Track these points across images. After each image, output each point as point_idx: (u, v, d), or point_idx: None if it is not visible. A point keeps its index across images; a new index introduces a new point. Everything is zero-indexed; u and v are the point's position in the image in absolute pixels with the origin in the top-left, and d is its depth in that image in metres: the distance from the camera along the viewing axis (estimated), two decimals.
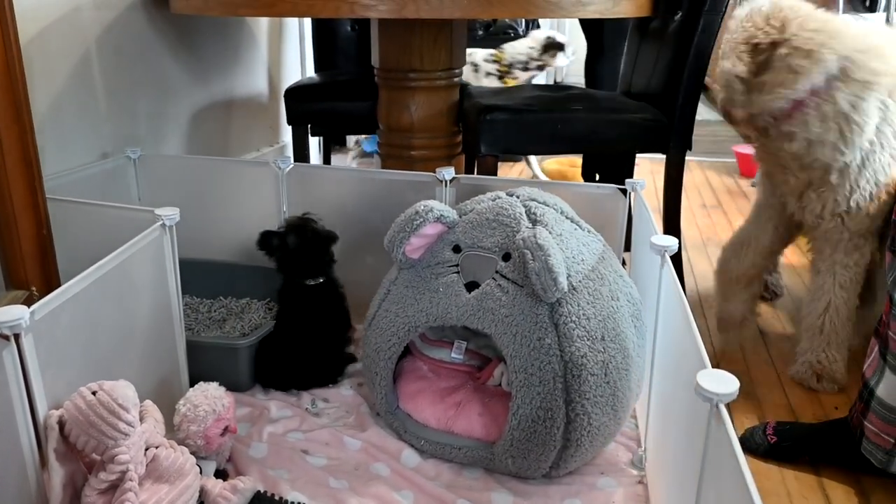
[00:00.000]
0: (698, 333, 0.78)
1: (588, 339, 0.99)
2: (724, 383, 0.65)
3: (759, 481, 1.06)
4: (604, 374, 1.00)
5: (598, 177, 2.34)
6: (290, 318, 1.32)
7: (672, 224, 1.70)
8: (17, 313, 0.77)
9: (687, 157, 1.69)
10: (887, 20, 2.59)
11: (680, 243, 1.80)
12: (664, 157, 1.68)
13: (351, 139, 3.30)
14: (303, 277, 1.32)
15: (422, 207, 1.11)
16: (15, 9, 1.05)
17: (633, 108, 1.67)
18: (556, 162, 2.94)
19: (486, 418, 1.11)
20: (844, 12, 2.75)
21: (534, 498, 1.03)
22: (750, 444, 1.17)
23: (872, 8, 2.95)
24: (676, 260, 1.73)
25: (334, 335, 1.35)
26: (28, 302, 1.04)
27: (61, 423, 0.82)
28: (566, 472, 1.07)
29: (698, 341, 0.76)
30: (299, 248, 1.30)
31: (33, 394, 0.81)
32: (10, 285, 1.13)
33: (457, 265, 1.10)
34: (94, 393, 0.83)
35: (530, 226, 1.07)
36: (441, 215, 1.11)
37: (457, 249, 1.11)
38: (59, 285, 0.90)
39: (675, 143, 1.65)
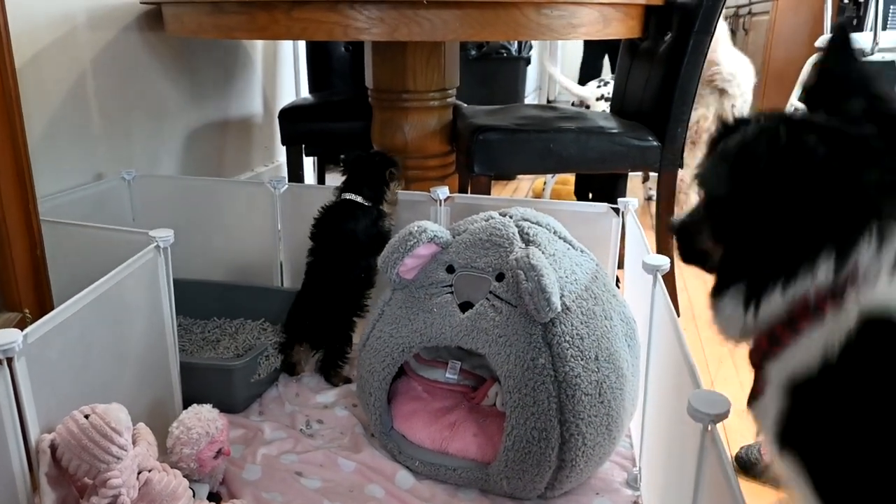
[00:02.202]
0: (690, 353, 0.78)
1: (582, 359, 1.00)
2: (717, 404, 0.65)
3: (753, 501, 1.05)
4: (598, 394, 1.00)
5: (590, 195, 2.36)
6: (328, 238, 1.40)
7: (665, 242, 1.71)
8: (10, 337, 0.77)
9: (679, 175, 1.71)
10: (874, 40, 2.63)
11: (672, 261, 1.81)
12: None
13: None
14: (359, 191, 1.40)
15: (415, 228, 1.11)
16: (11, 29, 1.06)
17: (625, 128, 1.69)
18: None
19: (481, 439, 1.11)
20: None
21: None
22: (744, 463, 1.17)
23: (859, 28, 3.00)
24: (670, 277, 1.73)
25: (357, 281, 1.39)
26: (21, 324, 1.04)
27: (53, 447, 0.82)
28: (561, 493, 1.06)
29: (691, 361, 0.76)
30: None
31: (25, 417, 0.81)
32: (3, 307, 1.13)
33: (450, 285, 1.10)
34: (86, 416, 0.83)
35: (523, 246, 1.07)
36: (434, 236, 1.12)
37: (450, 269, 1.11)
38: (53, 307, 0.90)
39: (667, 162, 1.67)
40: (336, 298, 1.36)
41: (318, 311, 1.36)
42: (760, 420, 0.61)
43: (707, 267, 0.72)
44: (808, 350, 0.56)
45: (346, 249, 1.37)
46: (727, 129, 0.66)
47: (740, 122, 0.65)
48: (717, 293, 0.65)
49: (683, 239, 0.77)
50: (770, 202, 0.59)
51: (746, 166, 0.61)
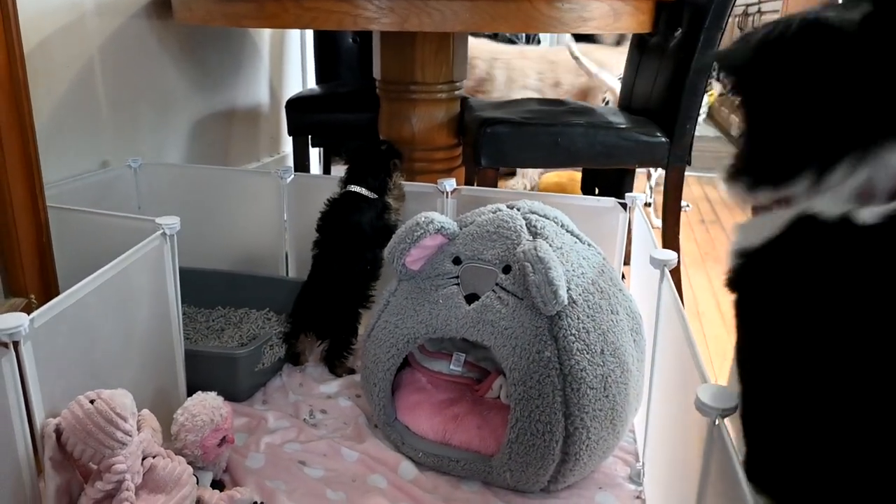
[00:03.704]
0: (698, 348, 0.78)
1: (587, 353, 0.99)
2: (725, 398, 0.65)
3: None
4: (603, 388, 1.00)
5: (597, 190, 2.35)
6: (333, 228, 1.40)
7: (670, 238, 1.71)
8: (16, 321, 0.77)
9: (686, 173, 1.70)
10: None
11: (679, 257, 1.80)
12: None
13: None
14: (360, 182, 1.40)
15: (422, 219, 1.11)
16: (19, 16, 1.05)
17: (633, 123, 1.68)
18: (555, 175, 2.95)
19: (485, 431, 1.11)
20: None
21: None
22: None
23: None
24: (675, 275, 1.73)
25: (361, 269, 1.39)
26: (26, 309, 1.04)
27: (58, 432, 0.82)
28: (564, 487, 1.06)
29: (698, 355, 0.76)
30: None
31: (31, 402, 0.81)
32: (8, 293, 1.13)
33: (457, 277, 1.10)
34: (91, 402, 0.83)
35: (531, 238, 1.07)
36: (441, 227, 1.11)
37: (457, 261, 1.11)
38: (58, 293, 0.90)
39: (675, 159, 1.66)
40: (342, 290, 1.36)
41: (324, 302, 1.36)
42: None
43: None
44: (760, 229, 0.69)
45: (352, 241, 1.37)
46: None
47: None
48: (731, 173, 0.74)
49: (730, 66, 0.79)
50: (784, 107, 0.67)
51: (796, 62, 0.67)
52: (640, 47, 1.89)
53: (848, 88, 0.63)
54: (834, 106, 0.64)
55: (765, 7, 3.98)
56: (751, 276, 0.70)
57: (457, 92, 1.81)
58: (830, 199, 0.64)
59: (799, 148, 0.67)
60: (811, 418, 0.60)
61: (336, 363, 1.37)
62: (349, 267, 1.36)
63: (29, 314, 0.80)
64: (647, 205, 2.83)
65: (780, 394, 0.64)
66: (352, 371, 1.38)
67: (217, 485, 1.04)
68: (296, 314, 1.38)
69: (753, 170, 0.72)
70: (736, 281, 0.71)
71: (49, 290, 1.16)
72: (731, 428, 0.72)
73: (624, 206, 1.35)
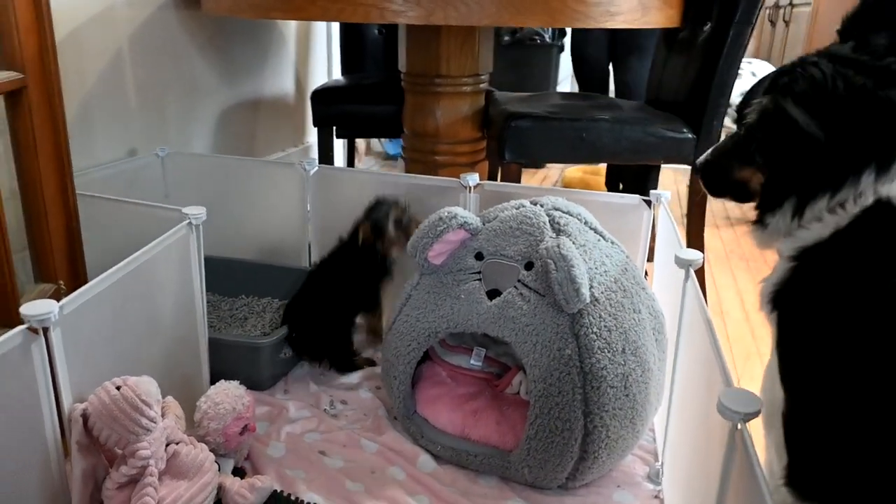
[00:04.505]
0: (722, 350, 0.77)
1: (609, 351, 0.99)
2: (748, 402, 0.64)
3: None
4: (623, 387, 0.99)
5: (621, 186, 2.33)
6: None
7: (695, 237, 1.69)
8: (46, 307, 0.78)
9: None
10: None
11: (704, 256, 1.79)
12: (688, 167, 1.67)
13: (361, 143, 3.31)
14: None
15: (446, 213, 1.11)
16: (51, 6, 1.07)
17: (660, 119, 1.66)
18: (579, 170, 2.94)
19: (504, 426, 1.11)
20: None
21: None
22: None
23: None
24: (699, 273, 1.71)
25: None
26: (56, 296, 1.06)
27: (85, 417, 0.84)
28: (582, 484, 1.06)
29: (722, 357, 0.75)
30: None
31: (59, 386, 0.83)
32: (38, 278, 1.15)
33: (479, 272, 1.10)
34: (118, 388, 0.84)
35: (554, 235, 1.06)
36: (465, 222, 1.11)
37: (479, 257, 1.11)
38: (87, 280, 0.92)
39: (701, 156, 1.64)
40: (332, 314, 1.34)
41: (312, 329, 1.33)
42: (763, 291, 0.76)
43: (739, 197, 0.85)
44: (821, 228, 0.70)
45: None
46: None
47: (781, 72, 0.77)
48: (768, 209, 0.78)
49: (712, 174, 0.90)
50: (823, 130, 0.71)
51: (804, 101, 0.72)
52: (668, 42, 1.87)
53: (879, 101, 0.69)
54: (874, 111, 0.69)
55: (796, 0, 3.91)
56: (810, 274, 0.70)
57: (482, 85, 1.80)
58: None
59: (852, 152, 0.69)
60: (873, 427, 0.60)
61: (349, 363, 1.37)
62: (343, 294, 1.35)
63: (58, 300, 0.81)
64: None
65: (836, 402, 0.63)
66: (372, 362, 1.39)
67: (238, 472, 1.05)
68: (290, 341, 1.34)
69: (800, 190, 0.73)
70: (786, 289, 0.71)
71: (78, 276, 1.18)
72: (763, 434, 0.72)
73: (649, 203, 1.34)
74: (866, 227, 0.67)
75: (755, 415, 0.64)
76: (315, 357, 1.36)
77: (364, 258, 1.34)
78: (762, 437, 0.74)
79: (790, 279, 0.72)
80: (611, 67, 2.75)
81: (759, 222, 0.79)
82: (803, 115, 0.72)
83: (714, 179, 0.90)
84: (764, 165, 0.79)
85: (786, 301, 0.72)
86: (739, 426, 0.64)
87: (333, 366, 1.37)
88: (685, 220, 1.73)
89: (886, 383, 0.58)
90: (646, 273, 1.46)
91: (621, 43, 2.63)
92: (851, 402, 0.61)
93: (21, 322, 0.78)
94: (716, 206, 2.67)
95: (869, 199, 0.68)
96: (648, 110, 1.77)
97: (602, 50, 2.70)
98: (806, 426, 0.66)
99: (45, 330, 0.79)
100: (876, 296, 0.63)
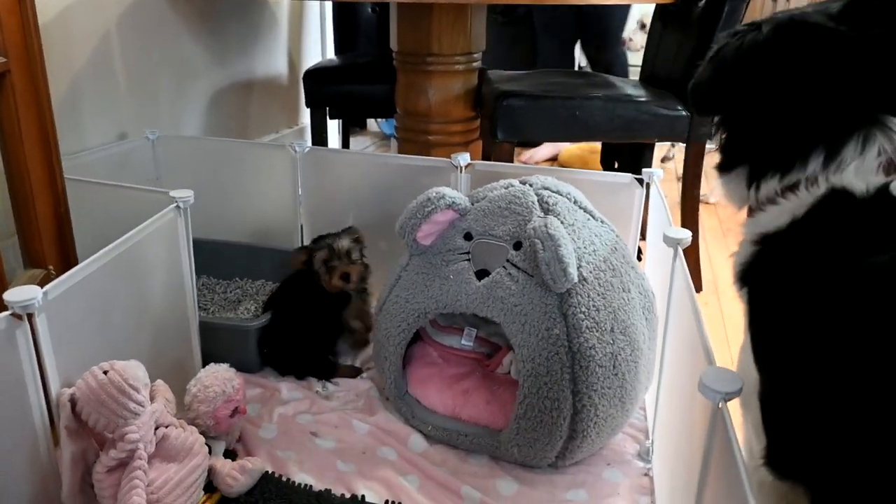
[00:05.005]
0: (706, 329, 0.77)
1: (597, 331, 0.99)
2: (729, 381, 0.64)
3: None
4: (612, 366, 0.99)
5: (616, 165, 2.32)
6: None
7: (690, 214, 1.68)
8: (29, 294, 0.78)
9: (707, 146, 1.67)
10: None
11: (697, 234, 1.78)
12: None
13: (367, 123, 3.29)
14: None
15: (434, 194, 1.10)
16: None
17: (654, 97, 1.65)
18: (576, 148, 2.92)
19: (494, 406, 1.11)
20: None
21: (539, 487, 1.03)
22: None
23: None
24: (693, 251, 1.71)
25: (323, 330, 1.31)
26: (45, 280, 1.06)
27: (73, 401, 0.84)
28: (572, 463, 1.07)
29: (706, 336, 0.75)
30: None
31: (46, 372, 0.83)
32: (28, 264, 1.15)
33: (468, 253, 1.10)
34: (105, 372, 0.85)
35: (542, 215, 1.06)
36: (453, 202, 1.11)
37: (468, 237, 1.11)
38: (77, 264, 0.91)
39: (695, 134, 1.63)
40: (306, 333, 1.29)
41: (289, 349, 1.30)
42: (733, 267, 0.76)
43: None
44: (778, 214, 0.70)
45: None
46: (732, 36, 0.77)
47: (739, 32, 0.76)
48: (722, 168, 0.79)
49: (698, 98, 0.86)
50: (775, 101, 0.72)
51: (753, 69, 0.73)
52: (663, 19, 1.85)
53: (840, 71, 0.68)
54: (828, 90, 0.68)
55: None
56: (773, 259, 0.70)
57: (474, 63, 1.78)
58: (856, 174, 0.66)
59: (801, 133, 0.69)
60: (848, 404, 0.60)
61: (331, 371, 1.31)
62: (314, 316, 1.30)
63: (46, 285, 0.81)
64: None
65: (809, 382, 0.63)
66: (357, 371, 1.32)
67: (230, 454, 1.06)
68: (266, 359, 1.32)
69: (753, 162, 0.74)
70: (752, 269, 0.71)
71: (68, 260, 1.18)
72: (741, 413, 0.72)
73: (641, 181, 1.33)
74: (822, 215, 0.67)
75: (737, 394, 0.64)
76: (299, 376, 1.29)
77: (311, 287, 1.29)
78: (741, 417, 0.74)
79: (755, 262, 0.72)
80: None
81: (718, 177, 0.80)
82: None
83: (699, 103, 0.88)
84: (723, 123, 0.80)
85: (752, 282, 0.72)
86: (720, 405, 0.64)
87: (317, 377, 1.30)
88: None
89: (858, 365, 0.58)
90: (640, 251, 1.46)
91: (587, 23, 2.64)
92: (824, 381, 0.61)
93: (6, 308, 0.77)
94: (713, 184, 2.65)
95: (821, 188, 0.67)
96: (642, 88, 1.76)
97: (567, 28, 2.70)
98: (781, 405, 0.66)
99: (30, 316, 0.79)
100: (834, 281, 0.63)
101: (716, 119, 0.81)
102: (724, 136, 0.79)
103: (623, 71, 2.66)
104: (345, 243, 1.28)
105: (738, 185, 0.76)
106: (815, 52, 0.69)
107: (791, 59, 0.70)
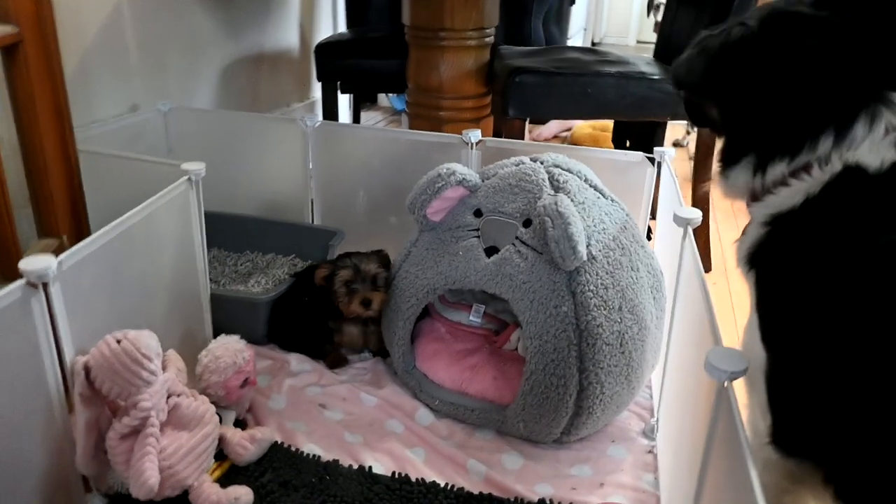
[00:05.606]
0: (714, 309, 0.77)
1: (605, 309, 0.99)
2: (734, 360, 0.64)
3: None
4: (619, 344, 1.00)
5: (628, 143, 2.30)
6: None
7: (701, 195, 1.67)
8: (44, 263, 0.79)
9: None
10: None
11: (708, 214, 1.77)
12: None
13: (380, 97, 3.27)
14: None
15: (444, 170, 1.10)
16: None
17: (667, 74, 1.63)
18: (588, 126, 2.89)
19: (501, 382, 1.12)
20: None
21: (544, 462, 1.05)
22: None
23: None
24: (703, 230, 1.70)
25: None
26: (59, 250, 1.07)
27: (87, 369, 0.85)
28: (577, 439, 1.08)
29: (713, 316, 0.75)
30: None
31: (60, 340, 0.84)
32: (42, 233, 1.17)
33: (477, 229, 1.10)
34: (118, 341, 0.86)
35: (552, 192, 1.06)
36: (463, 179, 1.11)
37: (478, 213, 1.11)
38: (90, 234, 0.92)
39: None
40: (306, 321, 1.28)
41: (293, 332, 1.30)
42: (738, 251, 0.76)
43: (716, 130, 0.84)
44: (791, 194, 0.70)
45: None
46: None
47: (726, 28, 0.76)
48: (727, 163, 0.78)
49: (690, 109, 0.89)
50: (775, 90, 0.72)
51: (749, 59, 0.73)
52: None
53: (833, 54, 0.69)
54: (826, 73, 0.69)
55: None
56: (786, 238, 0.70)
57: (487, 39, 1.77)
58: (869, 150, 0.67)
59: (807, 116, 0.70)
60: (863, 382, 0.60)
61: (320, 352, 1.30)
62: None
63: (60, 254, 0.82)
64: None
65: (824, 359, 0.64)
66: (342, 360, 1.29)
67: (240, 424, 1.08)
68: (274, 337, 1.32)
69: (759, 150, 0.74)
70: (763, 250, 0.71)
71: (81, 231, 1.19)
72: (746, 392, 0.73)
73: (652, 160, 1.32)
74: (838, 192, 0.67)
75: (742, 373, 0.64)
76: (313, 356, 1.29)
77: (317, 295, 1.25)
78: (744, 396, 0.75)
79: (765, 242, 0.72)
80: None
81: (721, 174, 0.80)
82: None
83: (691, 113, 0.91)
84: (723, 121, 0.80)
85: (763, 262, 0.72)
86: (726, 384, 0.65)
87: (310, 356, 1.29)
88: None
89: (868, 341, 0.58)
90: (650, 230, 1.46)
91: None
92: (834, 359, 0.62)
93: (21, 277, 0.79)
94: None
95: (837, 166, 0.68)
96: (656, 65, 1.74)
97: None
98: (789, 384, 0.67)
99: (45, 284, 0.80)
100: (852, 258, 0.63)
101: (716, 120, 0.82)
102: (724, 134, 0.80)
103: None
104: (372, 267, 1.20)
105: (744, 176, 0.76)
106: (806, 39, 0.70)
107: (785, 49, 0.71)
